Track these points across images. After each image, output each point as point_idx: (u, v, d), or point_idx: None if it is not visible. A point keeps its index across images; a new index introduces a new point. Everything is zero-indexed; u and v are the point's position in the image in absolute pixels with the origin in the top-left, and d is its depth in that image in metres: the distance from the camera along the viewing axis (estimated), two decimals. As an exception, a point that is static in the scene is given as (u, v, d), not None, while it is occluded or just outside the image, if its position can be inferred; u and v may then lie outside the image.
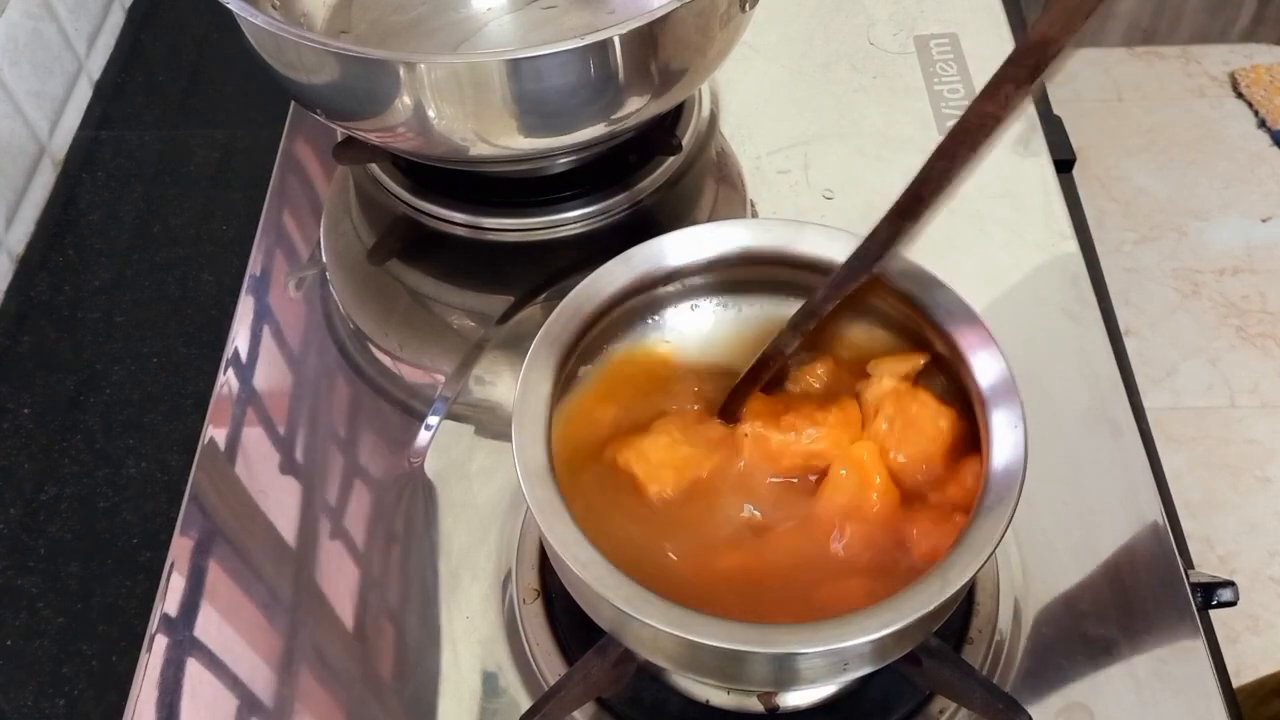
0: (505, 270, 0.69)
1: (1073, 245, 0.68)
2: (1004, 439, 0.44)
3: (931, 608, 0.40)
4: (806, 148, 0.74)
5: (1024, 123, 0.74)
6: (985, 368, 0.46)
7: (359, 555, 0.57)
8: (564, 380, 0.48)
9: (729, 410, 0.50)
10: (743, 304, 0.53)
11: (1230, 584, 0.54)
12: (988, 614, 0.53)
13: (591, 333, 0.49)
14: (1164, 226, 1.66)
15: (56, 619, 0.59)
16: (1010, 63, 0.37)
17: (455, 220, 0.70)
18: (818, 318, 0.48)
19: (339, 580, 0.56)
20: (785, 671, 0.43)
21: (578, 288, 0.49)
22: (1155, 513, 0.56)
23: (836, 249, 0.49)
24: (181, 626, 0.54)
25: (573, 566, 0.41)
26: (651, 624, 0.40)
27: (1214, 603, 0.54)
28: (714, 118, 0.76)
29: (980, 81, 0.76)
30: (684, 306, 0.52)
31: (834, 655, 0.41)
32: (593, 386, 0.50)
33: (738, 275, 0.52)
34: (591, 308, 0.49)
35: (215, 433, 0.61)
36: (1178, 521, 0.58)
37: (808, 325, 0.48)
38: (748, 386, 0.49)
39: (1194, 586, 0.54)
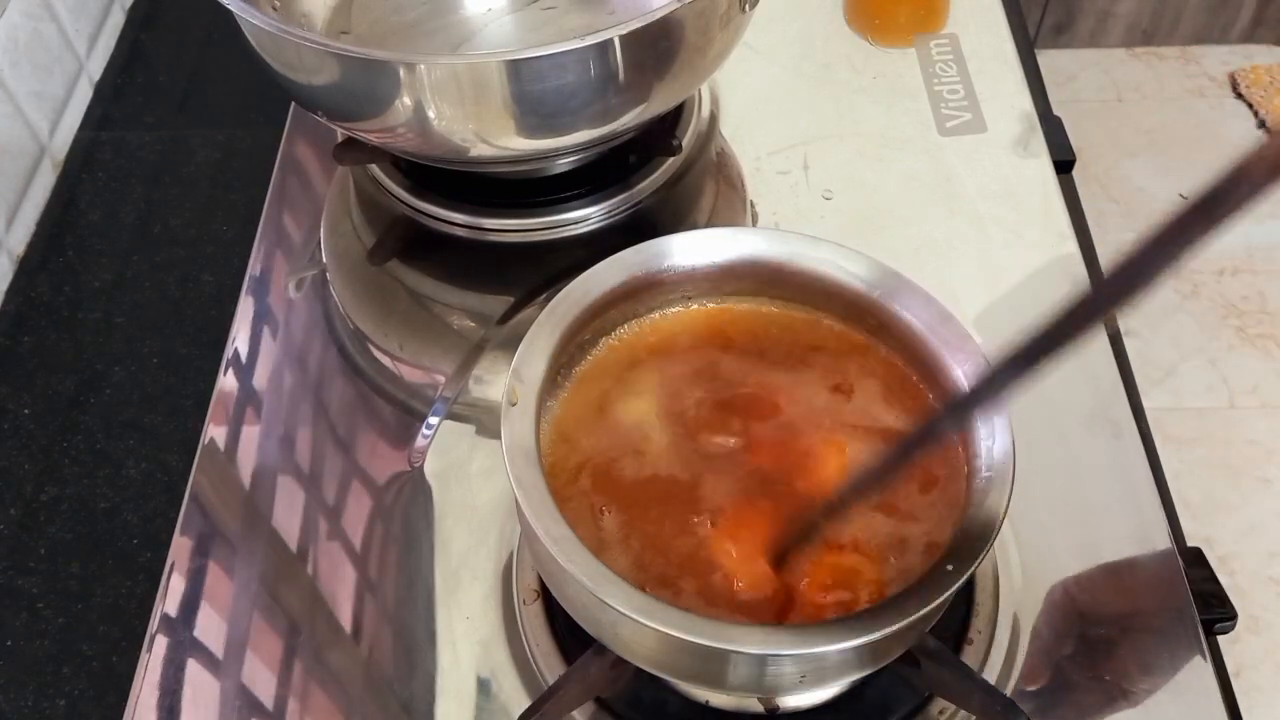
0: (505, 271, 0.69)
1: (1072, 245, 0.68)
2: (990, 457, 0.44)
3: (909, 620, 0.40)
4: (806, 148, 0.74)
5: (1024, 124, 0.74)
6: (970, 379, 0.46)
7: (359, 556, 0.57)
8: (560, 365, 0.48)
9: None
10: (742, 309, 0.53)
11: (1232, 616, 0.54)
12: (987, 615, 0.53)
13: (594, 321, 0.49)
14: (1164, 226, 1.66)
15: (56, 619, 0.59)
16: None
17: (455, 221, 0.70)
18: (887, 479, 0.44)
19: (339, 581, 0.56)
20: (762, 676, 0.43)
21: (584, 274, 0.49)
22: (1155, 513, 0.56)
23: (851, 266, 0.49)
24: (181, 626, 0.54)
25: (544, 540, 0.41)
26: (614, 606, 0.40)
27: (1214, 629, 0.54)
28: (714, 118, 0.76)
29: (980, 82, 0.77)
30: (681, 303, 0.52)
31: (809, 660, 0.41)
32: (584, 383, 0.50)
33: (746, 282, 0.52)
34: (598, 293, 0.49)
35: (215, 433, 0.61)
36: (1178, 521, 0.58)
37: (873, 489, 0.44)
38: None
39: (1195, 594, 0.54)
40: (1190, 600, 0.53)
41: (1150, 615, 0.53)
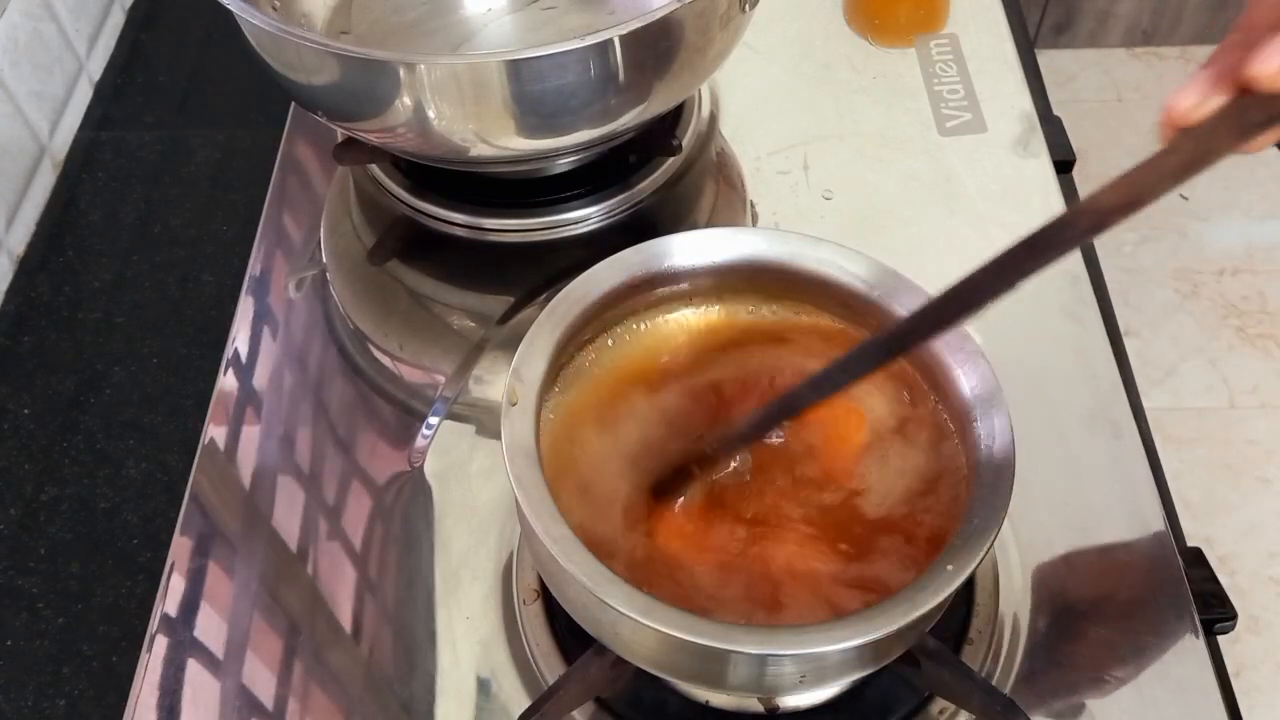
0: (505, 270, 0.69)
1: (1073, 246, 0.68)
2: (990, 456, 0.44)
3: (909, 620, 0.40)
4: (806, 148, 0.74)
5: (1024, 124, 0.74)
6: (973, 382, 0.46)
7: (359, 556, 0.57)
8: (560, 365, 0.48)
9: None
10: (741, 309, 0.53)
11: (1232, 616, 0.54)
12: (987, 615, 0.53)
13: (594, 321, 0.49)
14: (1164, 227, 1.66)
15: (56, 619, 0.59)
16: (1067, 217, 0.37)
17: (455, 221, 0.70)
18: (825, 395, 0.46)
19: (339, 581, 0.56)
20: (762, 676, 0.43)
21: (584, 274, 0.49)
22: (1155, 513, 0.56)
23: (851, 266, 0.49)
24: (181, 626, 0.54)
25: (544, 540, 0.41)
26: (614, 606, 0.40)
27: (1214, 629, 0.54)
28: (714, 118, 0.76)
29: (980, 82, 0.77)
30: (682, 305, 0.52)
31: (809, 660, 0.41)
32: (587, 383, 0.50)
33: (745, 282, 0.52)
34: (598, 293, 0.49)
35: (215, 433, 0.61)
36: (1178, 522, 0.58)
37: (819, 396, 0.46)
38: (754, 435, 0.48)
39: (1195, 594, 0.54)
40: (1190, 600, 0.53)
41: (1150, 615, 0.53)
